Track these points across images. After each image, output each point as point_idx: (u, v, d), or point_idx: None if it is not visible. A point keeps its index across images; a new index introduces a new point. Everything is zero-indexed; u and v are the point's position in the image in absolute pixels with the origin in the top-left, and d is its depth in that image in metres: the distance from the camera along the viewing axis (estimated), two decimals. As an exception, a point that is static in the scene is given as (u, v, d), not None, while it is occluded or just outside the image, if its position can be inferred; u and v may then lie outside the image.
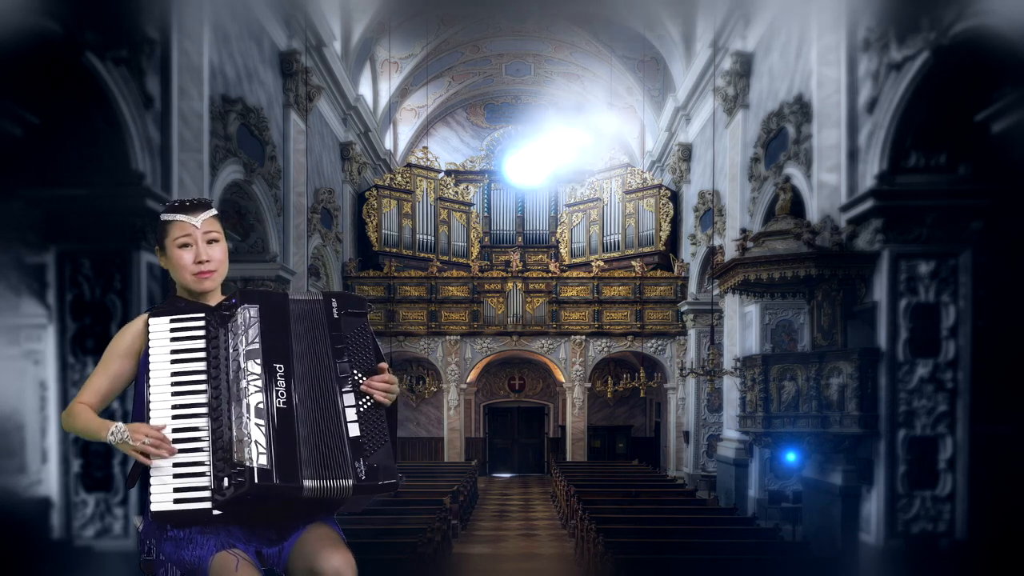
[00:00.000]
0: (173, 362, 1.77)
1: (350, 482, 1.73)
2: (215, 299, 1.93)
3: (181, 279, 1.88)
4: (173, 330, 1.80)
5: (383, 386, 1.85)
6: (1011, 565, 6.80)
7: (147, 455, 1.70)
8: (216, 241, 1.89)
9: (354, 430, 1.79)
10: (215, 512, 1.69)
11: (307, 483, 1.71)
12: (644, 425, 18.92)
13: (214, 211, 1.93)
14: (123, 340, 1.88)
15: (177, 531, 1.74)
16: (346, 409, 1.80)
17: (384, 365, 1.90)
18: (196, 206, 1.90)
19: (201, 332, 1.79)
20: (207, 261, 1.87)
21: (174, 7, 7.51)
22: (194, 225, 1.87)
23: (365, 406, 1.83)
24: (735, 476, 11.30)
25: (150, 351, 1.79)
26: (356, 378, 1.84)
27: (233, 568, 1.70)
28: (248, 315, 1.80)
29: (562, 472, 13.26)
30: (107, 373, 1.87)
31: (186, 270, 1.87)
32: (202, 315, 1.81)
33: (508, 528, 11.17)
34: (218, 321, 1.79)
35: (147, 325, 1.83)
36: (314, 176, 12.75)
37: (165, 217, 1.89)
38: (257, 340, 1.78)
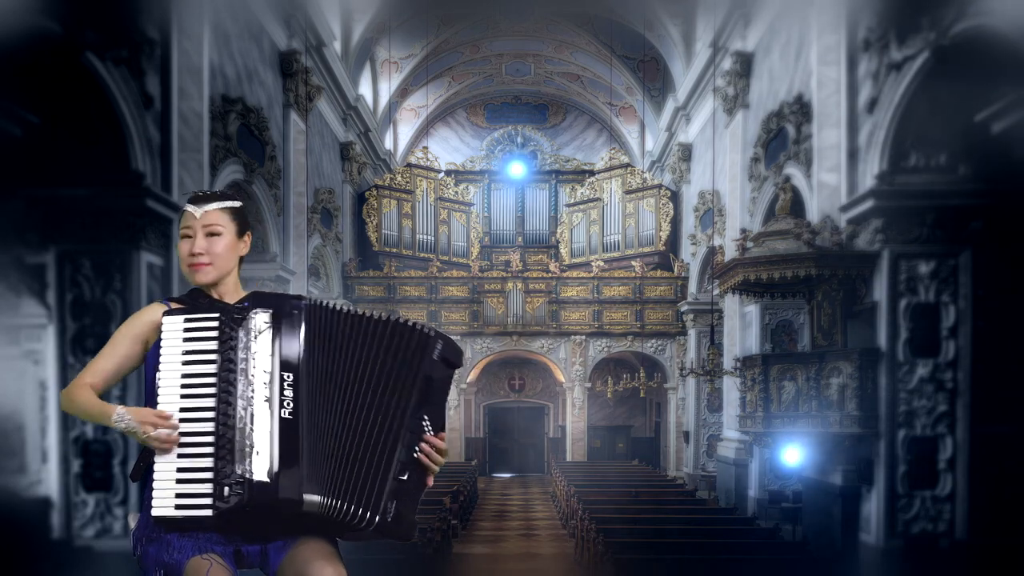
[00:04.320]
0: (184, 363, 1.74)
1: (375, 516, 1.72)
2: (233, 296, 1.90)
3: (182, 269, 1.87)
4: (187, 330, 1.76)
5: (437, 457, 1.81)
6: (1011, 565, 6.80)
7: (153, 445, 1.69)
8: (217, 235, 1.85)
9: (401, 471, 1.75)
10: (216, 520, 1.68)
11: (308, 498, 1.68)
12: (644, 425, 18.92)
13: (223, 204, 1.87)
14: (136, 325, 1.85)
15: (163, 533, 1.73)
16: (402, 448, 1.76)
17: (443, 435, 1.85)
18: (205, 197, 1.87)
19: (215, 334, 1.74)
20: (200, 254, 1.83)
21: (174, 7, 7.52)
22: (194, 216, 1.84)
23: (417, 453, 1.79)
24: (735, 476, 11.30)
25: (162, 350, 1.76)
26: (423, 423, 1.79)
27: (204, 573, 1.69)
28: (260, 319, 1.75)
29: (562, 472, 13.26)
30: (115, 355, 1.83)
31: (183, 261, 1.85)
32: (217, 315, 1.76)
33: (508, 528, 11.16)
34: (233, 324, 1.75)
35: (162, 320, 1.80)
36: (314, 176, 12.75)
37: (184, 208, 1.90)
38: (267, 347, 1.74)
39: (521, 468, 19.02)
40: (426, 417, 1.79)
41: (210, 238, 1.84)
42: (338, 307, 1.82)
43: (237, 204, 1.91)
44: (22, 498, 6.80)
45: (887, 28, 7.19)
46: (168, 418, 1.69)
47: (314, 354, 1.76)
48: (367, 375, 1.77)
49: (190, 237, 1.84)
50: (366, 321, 1.79)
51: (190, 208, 1.85)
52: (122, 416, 1.69)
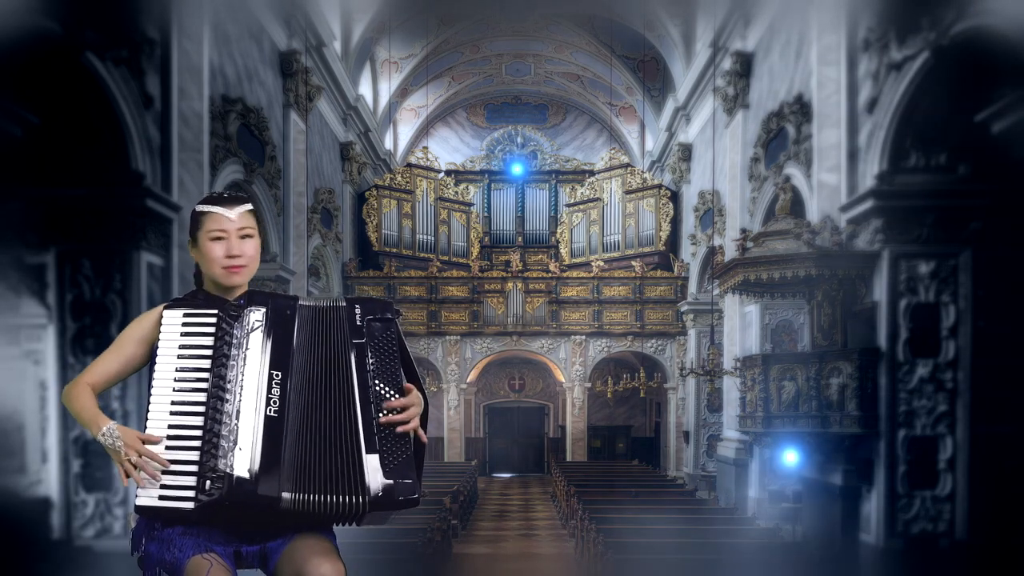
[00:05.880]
0: (179, 357, 1.76)
1: (357, 498, 1.70)
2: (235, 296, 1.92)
3: (211, 271, 1.86)
4: (185, 324, 1.78)
5: (404, 416, 1.77)
6: (1011, 565, 6.80)
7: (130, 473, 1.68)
8: (249, 237, 1.87)
9: (370, 447, 1.73)
10: (195, 513, 1.68)
11: (286, 495, 1.68)
12: (644, 425, 18.92)
13: (250, 206, 1.90)
14: (141, 326, 1.86)
15: (163, 531, 1.74)
16: (364, 424, 1.74)
17: (409, 386, 1.83)
18: (232, 200, 1.87)
19: (211, 329, 1.77)
20: (238, 256, 1.84)
21: (174, 7, 7.52)
22: (229, 219, 1.84)
23: (383, 420, 1.76)
24: (735, 476, 11.30)
25: (160, 342, 1.78)
26: (378, 389, 1.78)
27: (205, 573, 1.69)
28: (253, 318, 1.78)
29: (562, 472, 13.26)
30: (119, 356, 1.85)
31: (216, 263, 1.83)
32: (215, 311, 1.79)
33: (508, 528, 11.16)
34: (230, 319, 1.78)
35: (162, 314, 1.82)
36: (314, 176, 12.75)
37: (200, 208, 1.86)
38: (258, 345, 1.76)
39: (521, 468, 19.02)
40: (378, 382, 1.78)
41: (244, 240, 1.86)
42: (328, 304, 1.83)
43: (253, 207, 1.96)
44: (22, 498, 6.80)
45: (887, 28, 7.18)
46: (155, 442, 1.69)
47: (303, 353, 1.78)
48: (325, 364, 1.79)
49: (222, 239, 1.83)
50: (318, 311, 1.82)
51: (220, 210, 1.84)
52: (111, 431, 1.69)
